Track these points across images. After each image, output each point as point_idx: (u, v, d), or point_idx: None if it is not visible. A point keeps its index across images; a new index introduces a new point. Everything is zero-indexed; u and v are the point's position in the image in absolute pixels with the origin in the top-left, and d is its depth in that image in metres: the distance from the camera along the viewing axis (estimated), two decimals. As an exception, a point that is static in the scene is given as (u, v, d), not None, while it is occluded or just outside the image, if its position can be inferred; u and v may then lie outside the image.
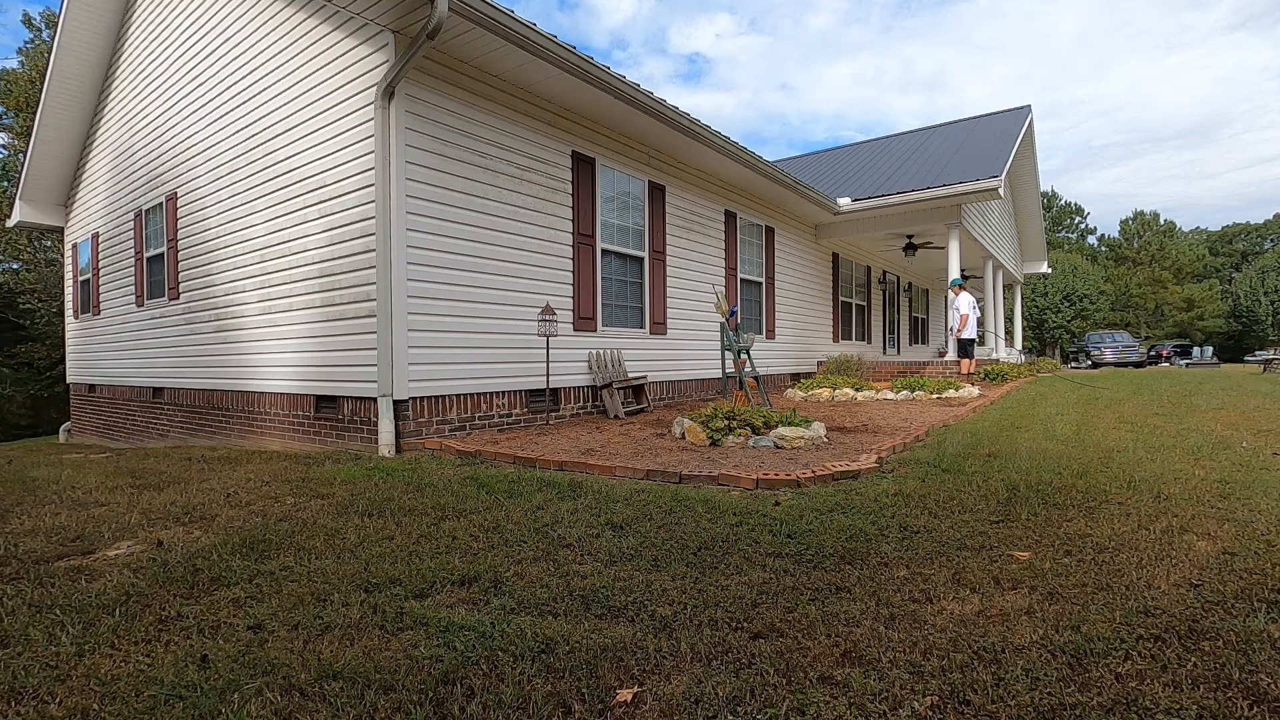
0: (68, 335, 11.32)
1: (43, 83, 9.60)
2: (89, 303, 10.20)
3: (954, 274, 10.97)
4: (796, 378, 10.83)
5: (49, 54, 9.39)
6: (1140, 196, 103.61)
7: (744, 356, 6.78)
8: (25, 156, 10.45)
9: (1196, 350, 28.08)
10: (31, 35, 20.85)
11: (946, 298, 10.16)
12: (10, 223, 11.14)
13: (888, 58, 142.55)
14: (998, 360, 12.40)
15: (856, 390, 8.64)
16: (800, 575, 2.25)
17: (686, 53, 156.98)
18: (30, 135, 10.16)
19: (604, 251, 7.01)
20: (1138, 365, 23.78)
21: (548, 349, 6.11)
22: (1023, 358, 16.91)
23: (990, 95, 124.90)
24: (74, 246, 10.77)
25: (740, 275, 9.55)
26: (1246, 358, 26.14)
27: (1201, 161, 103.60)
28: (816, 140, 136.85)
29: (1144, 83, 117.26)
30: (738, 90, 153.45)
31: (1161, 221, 53.85)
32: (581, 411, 6.72)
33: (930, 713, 1.44)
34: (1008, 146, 11.69)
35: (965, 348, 10.83)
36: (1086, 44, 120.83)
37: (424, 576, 2.26)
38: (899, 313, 16.86)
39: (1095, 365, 24.25)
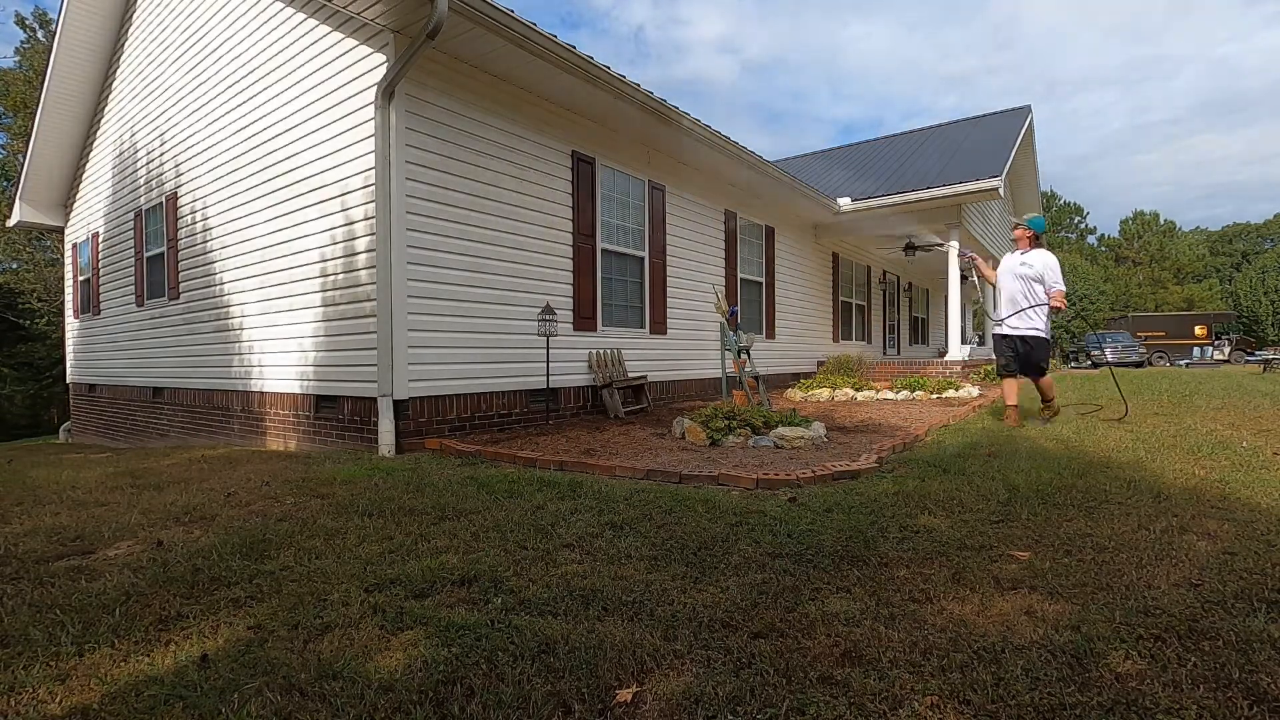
0: (68, 335, 11.32)
1: (41, 83, 9.60)
2: (89, 303, 10.19)
3: (954, 273, 10.93)
4: (796, 377, 10.82)
5: (47, 54, 9.41)
6: (1179, 183, 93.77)
7: (744, 356, 6.77)
8: (25, 156, 10.45)
9: (1196, 350, 28.08)
10: (26, 35, 20.84)
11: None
12: (10, 223, 11.14)
13: (935, 11, 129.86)
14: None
15: (856, 390, 8.64)
16: (800, 575, 2.24)
17: (695, 12, 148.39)
18: (29, 135, 10.17)
19: (604, 251, 7.01)
20: (1138, 365, 23.78)
21: (548, 349, 6.11)
22: None
23: (1050, 50, 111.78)
24: (74, 246, 10.77)
25: (740, 275, 9.54)
26: (1247, 358, 26.15)
27: (1264, 139, 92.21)
28: (836, 117, 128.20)
29: (1218, 42, 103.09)
30: (752, 52, 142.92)
31: (1161, 222, 53.87)
32: (581, 411, 6.72)
33: (930, 713, 1.44)
34: (1008, 146, 11.69)
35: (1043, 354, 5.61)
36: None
37: (424, 576, 2.26)
38: (899, 313, 16.86)
39: (1095, 365, 24.26)
